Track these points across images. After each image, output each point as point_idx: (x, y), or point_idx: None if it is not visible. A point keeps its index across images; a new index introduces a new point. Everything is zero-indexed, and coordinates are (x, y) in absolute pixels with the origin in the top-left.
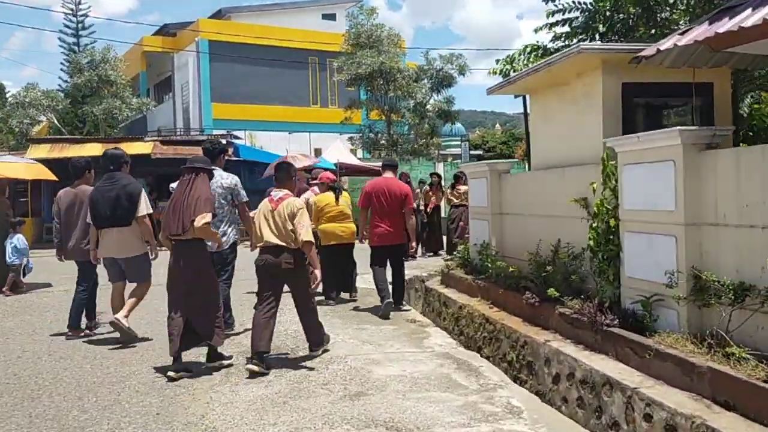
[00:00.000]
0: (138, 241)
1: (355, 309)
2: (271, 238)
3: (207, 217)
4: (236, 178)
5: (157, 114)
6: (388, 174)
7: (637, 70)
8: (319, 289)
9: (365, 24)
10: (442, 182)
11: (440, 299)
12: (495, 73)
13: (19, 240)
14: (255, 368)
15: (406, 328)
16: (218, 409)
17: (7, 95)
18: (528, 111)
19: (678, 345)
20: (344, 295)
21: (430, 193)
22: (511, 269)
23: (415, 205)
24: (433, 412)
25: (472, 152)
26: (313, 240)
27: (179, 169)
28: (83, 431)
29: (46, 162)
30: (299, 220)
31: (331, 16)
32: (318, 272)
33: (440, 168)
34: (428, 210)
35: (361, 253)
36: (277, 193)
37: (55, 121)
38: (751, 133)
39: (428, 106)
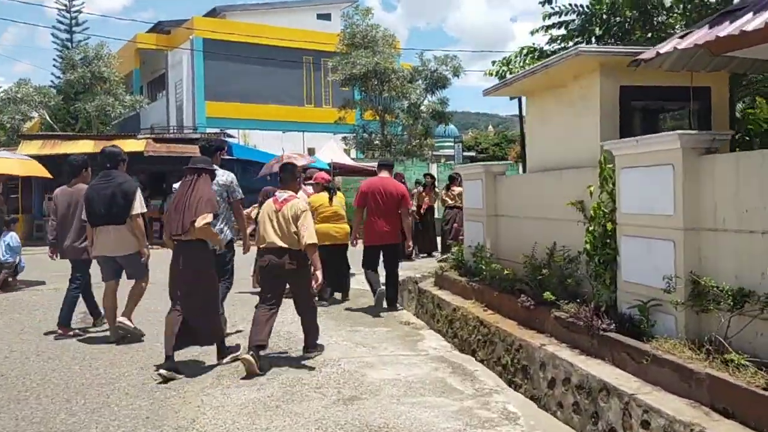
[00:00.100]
0: (134, 239)
1: (348, 310)
2: (274, 239)
3: (208, 218)
4: (232, 175)
5: (151, 112)
6: (384, 174)
7: (635, 74)
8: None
9: (360, 24)
10: (436, 183)
11: (434, 301)
12: (491, 74)
13: (12, 238)
14: (251, 359)
15: (400, 331)
16: (209, 413)
17: None
18: (523, 113)
19: (676, 351)
20: (336, 296)
21: (424, 194)
22: (506, 272)
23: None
24: (428, 417)
25: (465, 153)
26: (316, 242)
27: (172, 167)
28: None
29: (38, 159)
30: (303, 222)
31: (326, 16)
32: (319, 273)
33: (434, 169)
34: (421, 211)
35: (354, 254)
36: (281, 194)
37: (47, 118)
38: (747, 138)
39: (422, 107)
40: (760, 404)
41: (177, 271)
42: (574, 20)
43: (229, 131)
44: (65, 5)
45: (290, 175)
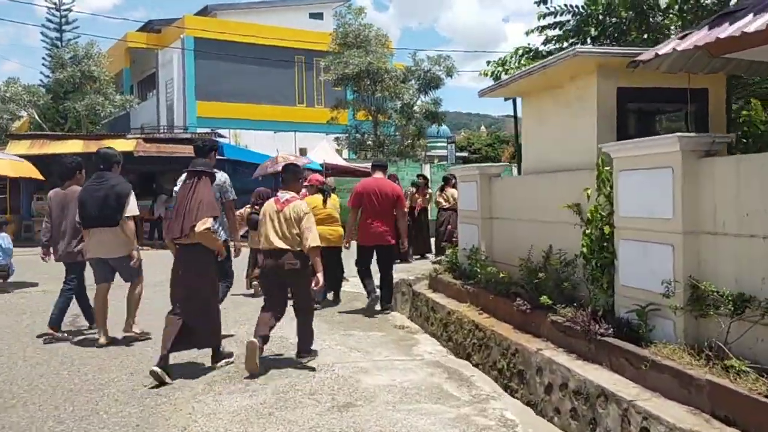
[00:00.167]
0: (127, 241)
1: (341, 313)
2: (275, 240)
3: (208, 223)
4: (225, 175)
5: (141, 111)
6: (378, 174)
7: (633, 75)
8: None
9: (353, 24)
10: (429, 184)
11: (428, 304)
12: (486, 75)
13: (4, 239)
14: (256, 342)
15: (395, 335)
16: (201, 421)
17: None
18: (518, 114)
19: (675, 356)
20: (329, 296)
21: (416, 195)
22: (501, 275)
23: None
24: (424, 425)
25: (457, 154)
26: (320, 245)
27: (162, 167)
28: None
29: (26, 159)
30: (306, 224)
31: (319, 15)
32: (320, 276)
33: (427, 169)
34: (414, 212)
35: (349, 258)
36: (283, 194)
37: (36, 117)
38: (743, 140)
39: (415, 108)
40: (762, 412)
41: (178, 273)
42: (569, 21)
43: (220, 131)
44: (55, 4)
45: (292, 176)
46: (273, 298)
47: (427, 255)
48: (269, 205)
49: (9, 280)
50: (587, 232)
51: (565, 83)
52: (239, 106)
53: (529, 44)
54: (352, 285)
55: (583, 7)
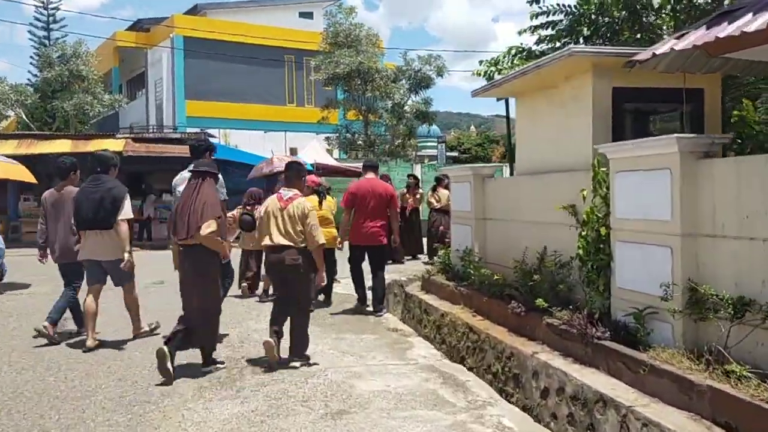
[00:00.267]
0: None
1: (333, 316)
2: (278, 238)
3: (212, 226)
4: (219, 175)
5: (130, 111)
6: (370, 175)
7: (628, 75)
8: None
9: (343, 23)
10: (420, 184)
11: (421, 306)
12: (479, 75)
13: None
14: (272, 342)
15: (388, 338)
16: (191, 429)
17: None
18: (511, 114)
19: (674, 361)
20: (319, 298)
21: (407, 195)
22: (495, 277)
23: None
24: None
25: (447, 154)
26: (325, 242)
27: (151, 167)
28: None
29: (13, 159)
30: (312, 221)
31: (309, 15)
32: (323, 274)
33: (418, 169)
34: (406, 212)
35: (341, 258)
36: (286, 192)
37: (24, 117)
38: (739, 141)
39: (406, 107)
40: (765, 419)
41: (184, 274)
42: (562, 20)
43: (209, 131)
44: (42, 2)
45: (295, 174)
46: (279, 293)
47: (419, 256)
48: (272, 203)
49: (2, 281)
50: (583, 233)
51: (560, 83)
52: (229, 106)
53: (521, 44)
54: (343, 286)
55: (575, 6)
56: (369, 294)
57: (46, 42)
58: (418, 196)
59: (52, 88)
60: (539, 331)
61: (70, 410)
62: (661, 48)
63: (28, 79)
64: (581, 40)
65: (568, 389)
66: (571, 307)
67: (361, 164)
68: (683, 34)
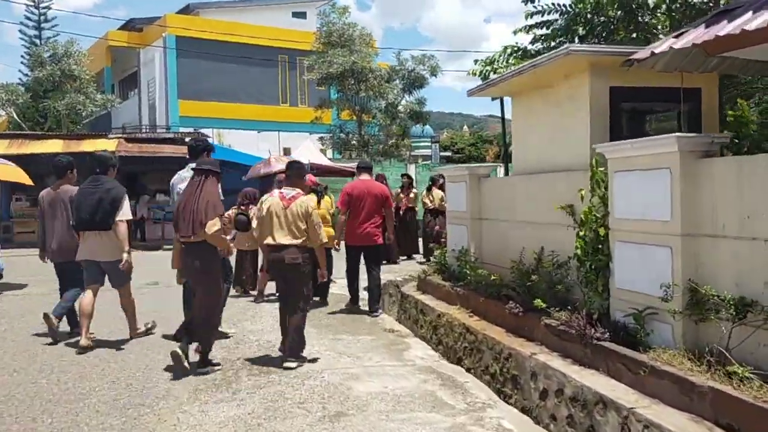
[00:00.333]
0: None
1: (329, 316)
2: (280, 237)
3: (218, 224)
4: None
5: (122, 111)
6: (365, 176)
7: (625, 74)
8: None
9: (337, 23)
10: (414, 183)
11: (417, 306)
12: (474, 74)
13: None
14: (292, 365)
15: (385, 339)
16: None
17: None
18: (506, 114)
19: (675, 362)
20: (315, 298)
21: (402, 195)
22: (492, 277)
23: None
24: None
25: (441, 154)
26: (327, 241)
27: (144, 167)
28: None
29: (4, 159)
30: (316, 220)
31: (302, 14)
32: (325, 270)
33: (412, 169)
34: (400, 212)
35: (337, 259)
36: (289, 191)
37: (15, 116)
38: (736, 140)
39: (400, 107)
40: None
41: (187, 271)
42: (557, 20)
43: (203, 131)
44: (33, 1)
45: (297, 173)
46: (282, 291)
47: (414, 256)
48: (274, 202)
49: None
50: (581, 233)
51: (557, 82)
52: (222, 106)
53: (516, 43)
54: (339, 287)
55: (570, 6)
56: (363, 294)
57: (38, 41)
58: (412, 195)
59: (43, 87)
60: (537, 331)
61: (63, 413)
62: (659, 47)
63: (20, 79)
64: (576, 39)
65: (568, 390)
66: (569, 307)
67: (355, 165)
68: (682, 33)
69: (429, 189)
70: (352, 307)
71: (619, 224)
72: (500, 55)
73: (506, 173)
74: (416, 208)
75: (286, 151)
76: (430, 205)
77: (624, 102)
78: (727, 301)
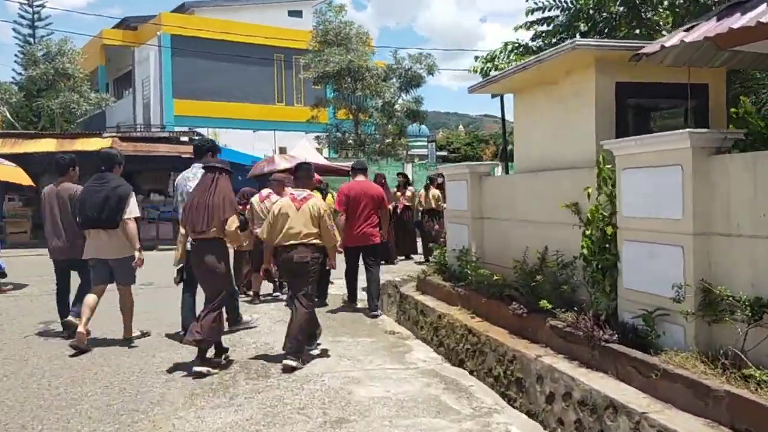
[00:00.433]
0: (126, 243)
1: (329, 317)
2: (290, 237)
3: (236, 221)
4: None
5: (117, 110)
6: (360, 177)
7: (631, 70)
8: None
9: (333, 21)
10: (410, 182)
11: (417, 307)
12: (475, 71)
13: None
14: (292, 363)
15: (385, 341)
16: None
17: None
18: (505, 111)
19: (688, 365)
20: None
21: (398, 194)
22: (495, 277)
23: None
24: None
25: (437, 153)
26: (339, 240)
27: (139, 166)
28: None
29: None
30: (329, 221)
31: (298, 13)
32: (334, 262)
33: (409, 169)
34: (398, 210)
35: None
36: (299, 192)
37: (8, 115)
38: (744, 137)
39: (396, 106)
40: None
41: (197, 267)
42: (558, 16)
43: (198, 130)
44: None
45: (306, 174)
46: (290, 289)
47: (412, 256)
48: (285, 203)
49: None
50: (587, 232)
51: (561, 78)
52: (217, 105)
53: (517, 39)
54: (338, 287)
55: (572, 2)
56: (362, 295)
57: (31, 40)
58: (409, 194)
59: (37, 86)
60: (542, 333)
61: (54, 420)
62: (670, 40)
63: (13, 78)
64: (578, 36)
65: (576, 394)
66: (575, 308)
67: (351, 166)
68: (692, 26)
69: (426, 189)
70: (350, 305)
71: (628, 223)
72: (501, 52)
73: (506, 172)
74: (413, 207)
75: (282, 150)
76: (426, 205)
77: (630, 98)
78: (743, 301)
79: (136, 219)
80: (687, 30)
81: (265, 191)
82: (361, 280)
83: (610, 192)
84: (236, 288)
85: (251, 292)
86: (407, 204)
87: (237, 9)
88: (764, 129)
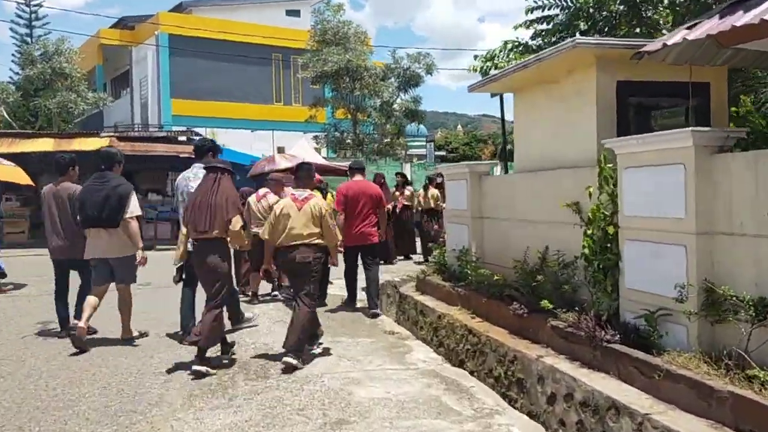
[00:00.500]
0: (127, 242)
1: (328, 317)
2: (292, 238)
3: (240, 221)
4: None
5: (114, 109)
6: (358, 177)
7: (632, 68)
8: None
9: (331, 20)
10: (408, 182)
11: (416, 307)
12: (474, 70)
13: None
14: (292, 361)
15: (385, 341)
16: None
17: None
18: (505, 111)
19: (691, 365)
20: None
21: (397, 194)
22: (495, 277)
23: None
24: None
25: (435, 153)
26: (341, 239)
27: (137, 166)
28: None
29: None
30: (331, 221)
31: (295, 13)
32: (336, 260)
33: (407, 168)
34: (397, 210)
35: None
36: (301, 192)
37: (5, 115)
38: (746, 136)
39: (395, 106)
40: None
41: (199, 268)
42: (558, 15)
43: (196, 129)
44: None
45: (307, 174)
46: (293, 289)
47: (411, 256)
48: (286, 203)
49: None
50: (588, 232)
51: (562, 77)
52: (215, 104)
53: (517, 38)
54: (337, 287)
55: (572, 0)
56: (361, 296)
57: (28, 39)
58: (407, 193)
59: (34, 86)
60: (543, 333)
61: (51, 422)
62: (672, 38)
63: (10, 77)
64: (578, 35)
65: (578, 395)
66: (576, 308)
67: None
68: (695, 24)
69: (425, 188)
70: (350, 304)
71: (630, 222)
72: (501, 51)
73: (505, 172)
74: (412, 207)
75: (280, 150)
76: (425, 205)
77: (631, 97)
78: (746, 301)
79: (137, 218)
80: (689, 28)
81: (262, 191)
82: (361, 280)
83: (611, 191)
84: (236, 288)
85: (250, 292)
86: (406, 203)
87: (235, 8)
88: (766, 128)
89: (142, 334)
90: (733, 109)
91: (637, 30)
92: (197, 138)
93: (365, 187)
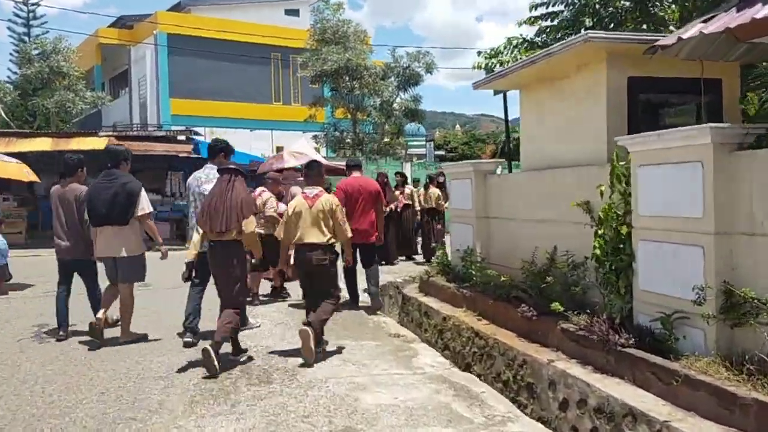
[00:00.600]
0: (137, 241)
1: (330, 319)
2: (307, 236)
3: (254, 222)
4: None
5: (113, 109)
6: (356, 173)
7: (644, 64)
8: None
9: (331, 19)
10: (408, 181)
11: (420, 309)
12: (479, 67)
13: None
14: (308, 330)
15: (390, 344)
16: None
17: None
18: (510, 109)
19: (711, 370)
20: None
21: (397, 193)
22: (502, 278)
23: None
24: None
25: (435, 153)
26: (351, 235)
27: (135, 165)
28: None
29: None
30: (342, 217)
31: (295, 12)
32: (350, 257)
33: (407, 168)
34: (398, 209)
35: None
36: (311, 190)
37: (3, 115)
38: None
39: (395, 105)
40: None
41: (214, 269)
42: (562, 11)
43: (195, 129)
44: None
45: (316, 172)
46: (307, 289)
47: (413, 256)
48: (299, 202)
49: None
50: (600, 232)
51: (572, 73)
52: (214, 104)
53: (521, 35)
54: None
55: None
56: (363, 297)
57: (26, 39)
58: (407, 192)
59: (32, 85)
60: (553, 336)
61: (47, 430)
62: (688, 32)
63: (8, 77)
64: (583, 31)
65: (591, 401)
66: (587, 311)
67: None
68: (710, 18)
69: (426, 187)
70: (352, 305)
71: (644, 222)
72: (505, 47)
73: (510, 171)
74: (413, 206)
75: (279, 150)
76: (425, 205)
77: (642, 93)
78: None
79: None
80: (705, 21)
81: (258, 189)
82: (361, 280)
83: (624, 190)
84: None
85: (250, 293)
86: (407, 202)
87: (233, 7)
88: None
89: (142, 337)
90: (741, 105)
91: (644, 26)
92: (196, 138)
93: (364, 183)
